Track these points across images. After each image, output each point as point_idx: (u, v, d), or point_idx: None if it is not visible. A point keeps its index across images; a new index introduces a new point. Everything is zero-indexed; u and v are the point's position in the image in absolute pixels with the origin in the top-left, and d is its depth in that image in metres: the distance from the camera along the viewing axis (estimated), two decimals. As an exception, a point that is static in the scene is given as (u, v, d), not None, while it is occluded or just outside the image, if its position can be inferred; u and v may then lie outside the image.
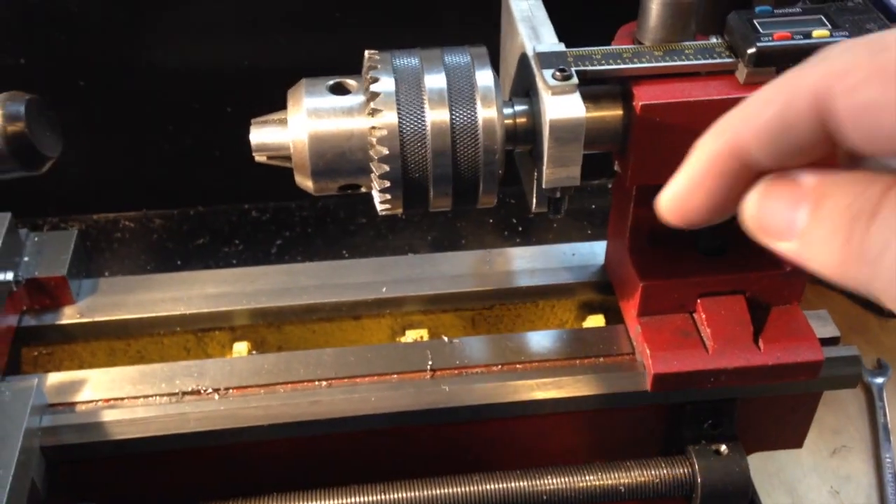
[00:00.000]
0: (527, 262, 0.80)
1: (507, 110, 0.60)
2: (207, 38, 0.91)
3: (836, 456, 1.05)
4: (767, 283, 0.69)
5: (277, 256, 0.93)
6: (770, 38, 0.57)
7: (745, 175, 0.33)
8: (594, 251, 0.81)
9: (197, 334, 0.77)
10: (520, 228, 0.97)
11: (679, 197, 0.36)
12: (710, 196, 0.34)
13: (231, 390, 0.68)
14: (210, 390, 0.68)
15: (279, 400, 0.67)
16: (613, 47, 0.61)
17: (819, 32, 0.57)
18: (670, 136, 0.59)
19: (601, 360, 0.72)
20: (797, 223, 0.30)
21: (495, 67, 0.69)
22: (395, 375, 0.70)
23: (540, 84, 0.57)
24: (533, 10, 0.65)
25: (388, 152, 0.57)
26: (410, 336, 0.78)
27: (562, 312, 0.81)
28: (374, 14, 0.91)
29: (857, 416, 1.09)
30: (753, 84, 0.58)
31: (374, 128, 0.57)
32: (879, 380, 1.12)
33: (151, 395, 0.68)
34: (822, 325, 0.73)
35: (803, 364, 0.67)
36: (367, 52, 0.60)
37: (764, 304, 0.70)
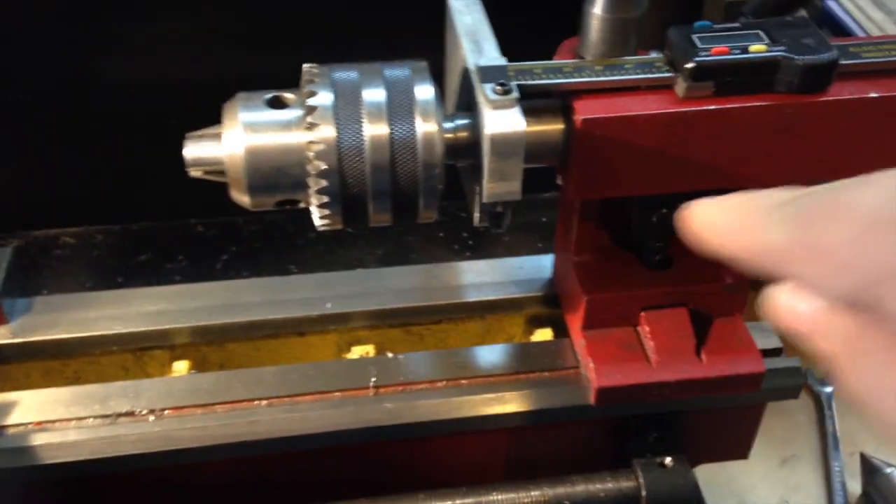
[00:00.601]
0: (474, 277, 0.80)
1: (448, 124, 0.60)
2: (151, 51, 0.89)
3: (786, 465, 1.06)
4: (710, 295, 0.69)
5: (223, 272, 0.91)
6: (708, 53, 0.57)
7: None
8: (542, 264, 0.80)
9: (135, 353, 0.75)
10: (470, 242, 0.96)
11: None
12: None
13: (167, 411, 0.67)
14: (145, 411, 0.66)
15: (216, 420, 0.65)
16: (554, 62, 0.61)
17: (756, 47, 0.58)
18: (611, 150, 0.59)
19: (546, 374, 0.72)
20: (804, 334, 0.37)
21: (441, 81, 0.69)
22: (338, 393, 0.69)
23: (480, 98, 0.57)
24: (476, 24, 0.65)
25: (325, 167, 0.56)
26: (356, 352, 0.77)
27: (510, 326, 0.81)
28: (322, 26, 0.90)
29: (806, 425, 1.10)
30: (692, 98, 0.58)
31: (311, 142, 0.56)
32: (828, 388, 1.13)
33: (85, 418, 0.66)
34: (765, 337, 0.73)
35: (745, 376, 0.68)
36: (305, 66, 0.59)
37: (706, 316, 0.70)
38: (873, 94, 0.58)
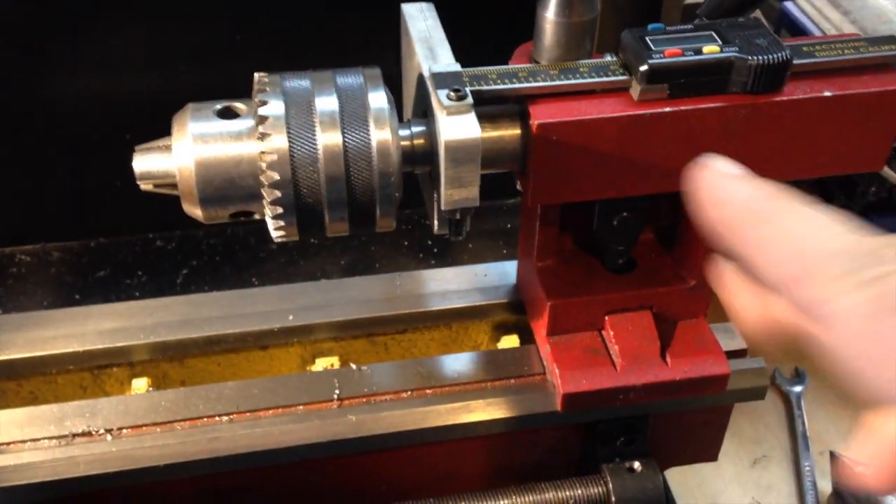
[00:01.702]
0: (438, 285, 0.79)
1: (404, 132, 0.59)
2: (105, 67, 0.88)
3: (757, 466, 1.06)
4: (673, 297, 0.69)
5: (183, 287, 0.90)
6: (662, 55, 0.57)
7: None
8: (506, 271, 0.80)
9: (93, 372, 0.73)
10: (435, 250, 0.96)
11: None
12: None
13: (125, 430, 0.65)
14: (102, 431, 0.65)
15: (176, 438, 0.64)
16: (509, 66, 0.60)
17: (710, 48, 0.58)
18: (568, 154, 0.58)
19: (512, 381, 0.71)
20: None
21: (398, 88, 0.69)
22: (301, 406, 0.68)
23: (435, 104, 0.56)
24: (430, 31, 0.65)
25: (279, 178, 0.55)
26: (321, 364, 0.76)
27: (476, 334, 0.80)
28: (279, 33, 0.89)
29: (776, 426, 1.10)
30: (647, 101, 0.58)
31: (263, 153, 0.55)
32: (797, 388, 1.13)
33: (40, 439, 0.65)
34: (730, 338, 0.73)
35: (710, 378, 0.67)
36: (256, 75, 0.58)
37: (671, 318, 0.70)
38: (827, 93, 0.58)
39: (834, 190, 1.13)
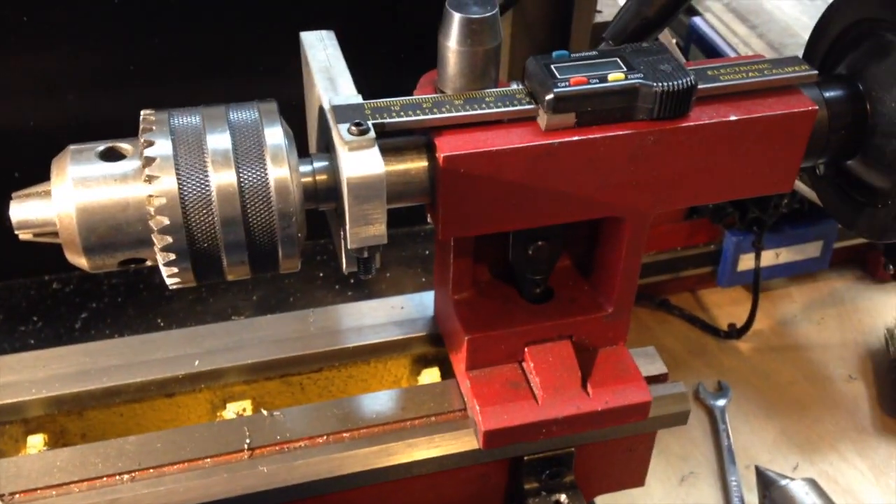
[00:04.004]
0: (354, 320, 0.77)
1: (305, 168, 0.57)
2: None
3: (685, 483, 1.06)
4: (592, 325, 0.68)
5: (82, 332, 0.84)
6: (567, 84, 0.56)
7: None
8: (423, 302, 0.78)
9: (-18, 431, 0.68)
10: (351, 281, 0.93)
11: None
12: None
13: (17, 495, 0.60)
14: (-11, 499, 0.60)
15: (73, 501, 0.60)
16: (413, 97, 0.58)
17: (615, 76, 0.57)
18: (477, 185, 0.57)
19: (433, 419, 0.69)
20: None
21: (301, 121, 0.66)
22: (209, 459, 0.64)
23: (336, 139, 0.54)
24: (331, 60, 0.62)
25: (168, 222, 0.52)
26: (232, 410, 0.72)
27: (395, 369, 0.78)
28: (172, 69, 0.85)
29: (701, 441, 1.11)
30: (555, 130, 0.56)
31: (151, 196, 0.51)
32: (721, 402, 1.14)
33: (-82, 513, 0.59)
34: (650, 363, 0.72)
35: (632, 406, 0.66)
36: (142, 112, 0.55)
37: (591, 347, 0.69)
38: (733, 118, 0.58)
39: (747, 203, 1.14)
